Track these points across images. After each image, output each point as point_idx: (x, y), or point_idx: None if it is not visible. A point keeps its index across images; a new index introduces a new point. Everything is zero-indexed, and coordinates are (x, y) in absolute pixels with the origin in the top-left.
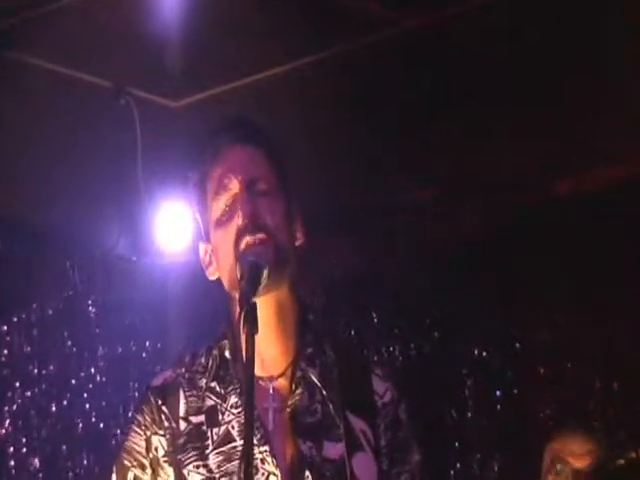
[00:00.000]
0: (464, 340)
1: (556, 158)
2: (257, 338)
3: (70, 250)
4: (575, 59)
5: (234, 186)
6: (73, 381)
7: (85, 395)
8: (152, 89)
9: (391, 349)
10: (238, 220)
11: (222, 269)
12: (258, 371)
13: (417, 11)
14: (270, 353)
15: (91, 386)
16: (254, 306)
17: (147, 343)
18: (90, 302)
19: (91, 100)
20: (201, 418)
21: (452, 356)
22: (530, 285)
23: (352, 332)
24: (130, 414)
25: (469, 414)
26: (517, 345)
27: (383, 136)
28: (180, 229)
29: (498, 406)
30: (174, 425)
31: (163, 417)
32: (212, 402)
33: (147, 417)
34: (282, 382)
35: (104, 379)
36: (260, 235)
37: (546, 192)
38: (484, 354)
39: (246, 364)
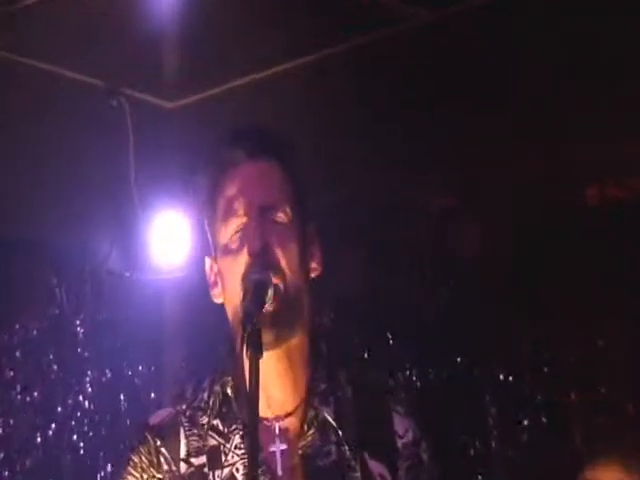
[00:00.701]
0: (488, 364)
1: (587, 163)
2: (262, 378)
3: (56, 265)
4: (609, 60)
5: (244, 213)
6: (59, 409)
7: (72, 424)
8: (146, 89)
9: (407, 373)
10: (247, 254)
11: (228, 299)
12: (263, 411)
13: (434, 4)
14: (277, 392)
15: (79, 414)
16: (258, 328)
17: (140, 367)
18: (78, 322)
19: (81, 101)
20: (203, 459)
21: (475, 382)
22: (562, 302)
23: (365, 355)
24: (122, 446)
25: (493, 445)
26: (546, 369)
27: (400, 138)
28: (177, 241)
29: (525, 436)
30: (174, 468)
31: (162, 459)
32: (215, 442)
33: (144, 459)
34: (292, 422)
35: (93, 407)
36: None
37: (577, 199)
38: (510, 379)
39: (249, 394)
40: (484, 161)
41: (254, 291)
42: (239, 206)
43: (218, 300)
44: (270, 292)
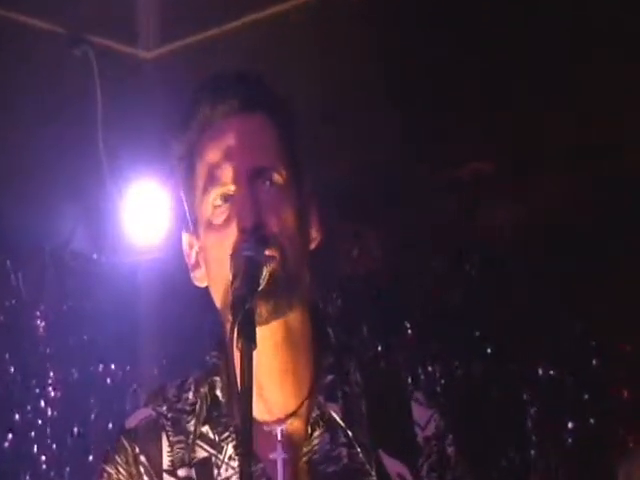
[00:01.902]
0: (525, 356)
1: (621, 131)
2: (257, 374)
3: (10, 246)
4: None
5: (231, 180)
6: (17, 417)
7: (32, 434)
8: (117, 35)
9: (430, 369)
10: (236, 230)
11: (214, 282)
12: (261, 413)
13: None
14: (275, 391)
15: (40, 422)
16: (251, 313)
17: (113, 365)
18: (38, 314)
19: (39, 50)
20: (190, 472)
21: (510, 377)
22: (613, 283)
23: (380, 348)
24: (93, 460)
25: (533, 452)
26: (594, 362)
27: (424, 98)
28: (154, 216)
29: (570, 440)
30: None
31: (142, 469)
32: (205, 453)
33: (121, 470)
34: (294, 424)
35: (57, 413)
36: (266, 252)
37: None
38: (551, 374)
39: (241, 393)
40: (524, 119)
41: (246, 271)
42: (223, 172)
43: (201, 284)
44: (265, 272)
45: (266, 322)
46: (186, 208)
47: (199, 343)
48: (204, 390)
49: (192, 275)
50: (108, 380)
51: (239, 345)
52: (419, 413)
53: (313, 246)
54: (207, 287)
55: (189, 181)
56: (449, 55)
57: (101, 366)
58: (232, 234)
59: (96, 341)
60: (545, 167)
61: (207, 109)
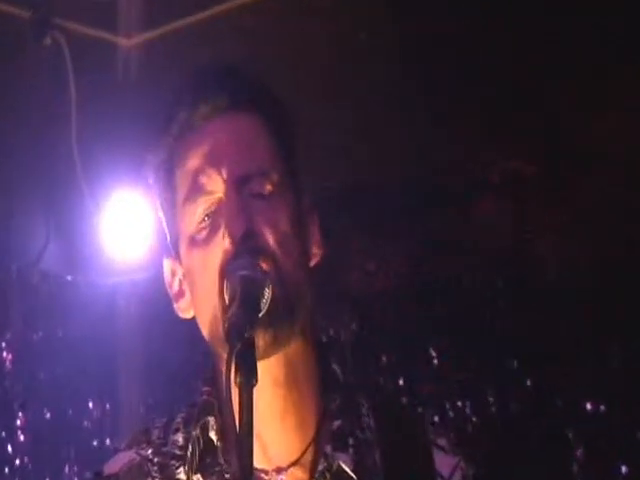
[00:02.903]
0: (571, 389)
1: None
2: (256, 416)
3: None
4: None
5: (217, 188)
6: None
7: None
8: (92, 20)
9: (459, 404)
10: (224, 241)
11: (200, 310)
12: (259, 461)
13: None
14: (275, 435)
15: (7, 472)
16: (250, 343)
17: (90, 404)
18: (3, 344)
19: (4, 39)
20: None
21: (553, 414)
22: None
23: (400, 381)
24: None
25: None
26: None
27: (448, 86)
28: (136, 231)
29: None
30: None
31: None
32: None
33: None
34: (296, 475)
35: (27, 461)
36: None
37: None
38: (601, 409)
39: (239, 436)
40: (573, 115)
41: (243, 294)
42: (207, 179)
43: (186, 314)
44: (267, 293)
45: (264, 356)
46: (165, 227)
47: (191, 376)
48: (196, 433)
49: (176, 306)
50: (85, 423)
51: (237, 381)
52: (442, 462)
53: (313, 263)
54: (193, 318)
55: (168, 194)
56: (481, 49)
57: (77, 406)
58: (219, 248)
59: (71, 376)
60: (592, 169)
61: (187, 110)
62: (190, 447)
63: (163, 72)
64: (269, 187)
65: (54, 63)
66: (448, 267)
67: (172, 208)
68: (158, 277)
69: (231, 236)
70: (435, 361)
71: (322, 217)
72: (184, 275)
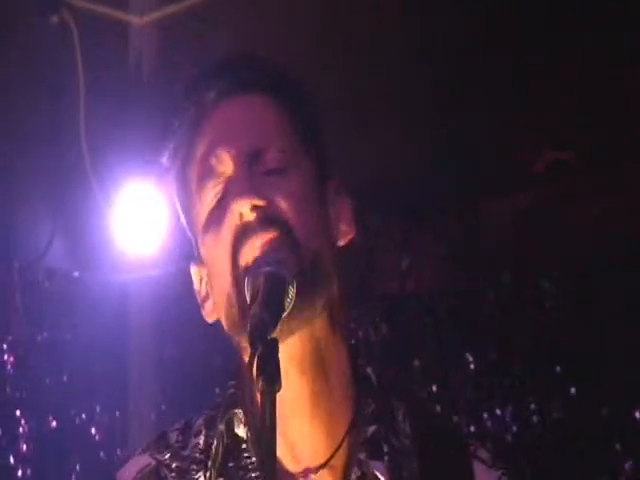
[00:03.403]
0: (618, 397)
1: None
2: (284, 411)
3: None
4: None
5: (226, 168)
6: None
7: None
8: None
9: (498, 412)
10: (234, 218)
11: (217, 300)
12: (284, 461)
13: None
14: (303, 431)
15: None
16: (274, 345)
17: (99, 411)
18: (5, 346)
19: (6, 18)
20: None
21: (599, 423)
22: None
23: (433, 387)
24: None
25: None
26: None
27: (480, 75)
28: (149, 225)
29: None
30: None
31: None
32: None
33: None
34: (325, 477)
35: (30, 472)
36: (269, 233)
37: None
38: None
39: (262, 443)
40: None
41: (266, 293)
42: (216, 161)
43: (212, 318)
44: (291, 292)
45: (287, 331)
46: (189, 233)
47: (208, 381)
48: (221, 427)
49: (203, 310)
50: (93, 430)
51: (260, 386)
52: (483, 476)
53: (344, 242)
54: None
55: (184, 193)
56: (521, 35)
57: (84, 413)
58: (229, 230)
59: (78, 381)
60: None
61: (196, 98)
62: (215, 444)
63: (178, 53)
64: (281, 161)
65: (61, 44)
66: (487, 266)
67: (188, 198)
68: (173, 274)
69: (239, 210)
70: (472, 366)
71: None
72: (207, 275)
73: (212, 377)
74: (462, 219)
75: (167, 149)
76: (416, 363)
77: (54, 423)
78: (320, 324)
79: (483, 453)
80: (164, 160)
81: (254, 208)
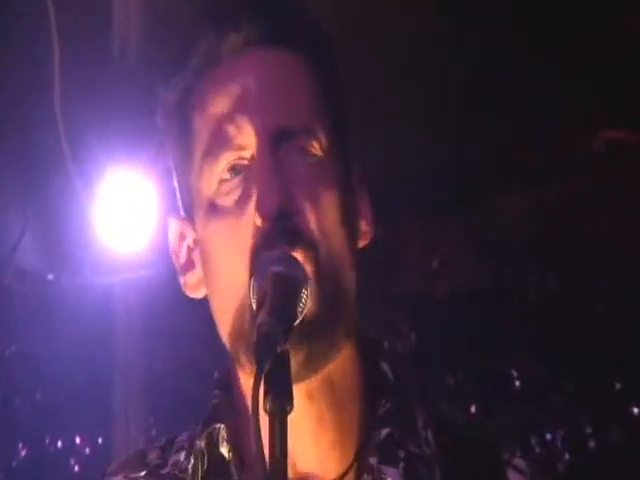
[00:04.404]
0: None
1: None
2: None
3: None
4: None
5: (247, 142)
6: None
7: None
8: None
9: (549, 437)
10: (255, 217)
11: (218, 293)
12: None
13: None
14: (308, 455)
15: None
16: (284, 358)
17: (78, 439)
18: None
19: None
20: None
21: None
22: None
23: (471, 408)
24: None
25: None
26: None
27: (529, 50)
28: (135, 220)
29: None
30: None
31: None
32: None
33: None
34: None
35: None
36: (293, 251)
37: None
38: None
39: (269, 475)
40: None
41: (276, 297)
42: (235, 130)
43: (195, 293)
44: (305, 295)
45: (296, 379)
46: (175, 183)
47: (206, 399)
48: (201, 444)
49: (182, 281)
50: (71, 460)
51: (268, 407)
52: None
53: (363, 244)
54: (205, 298)
55: (183, 144)
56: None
57: (61, 439)
58: (249, 222)
59: (53, 401)
60: None
61: (211, 39)
62: (192, 463)
63: (169, 23)
64: (314, 149)
65: (36, 13)
66: (532, 265)
67: (188, 162)
68: (164, 275)
69: (263, 212)
70: (517, 383)
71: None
72: (195, 242)
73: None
74: (496, 211)
75: (168, 92)
76: (450, 380)
77: (24, 452)
78: (338, 361)
79: (520, 462)
80: (163, 106)
81: (281, 216)
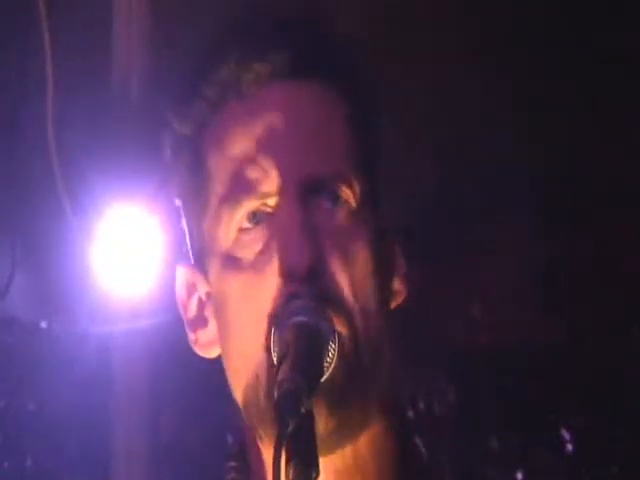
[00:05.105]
0: None
1: None
2: None
3: None
4: None
5: (272, 188)
6: None
7: None
8: None
9: None
10: (278, 280)
11: (233, 355)
12: None
13: None
14: None
15: None
16: (309, 420)
17: None
18: None
19: None
20: None
21: None
22: None
23: (519, 475)
24: None
25: None
26: None
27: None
28: (138, 261)
29: None
30: None
31: None
32: None
33: None
34: None
35: None
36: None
37: None
38: None
39: None
40: None
41: (300, 350)
42: (260, 174)
43: (207, 352)
44: (332, 350)
45: (328, 452)
46: (184, 226)
47: (219, 466)
48: None
49: (192, 337)
50: None
51: (291, 475)
52: None
53: (395, 304)
54: (219, 358)
55: (194, 183)
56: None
57: None
58: (271, 281)
59: (45, 466)
60: None
61: (232, 67)
62: None
63: (178, 44)
64: (347, 199)
65: (28, 25)
66: (593, 309)
67: (201, 205)
68: (170, 325)
69: (289, 272)
70: (569, 447)
71: (408, 239)
72: (208, 296)
73: (221, 460)
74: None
75: (180, 124)
76: (494, 443)
77: None
78: (368, 434)
79: None
80: (172, 139)
81: (310, 277)
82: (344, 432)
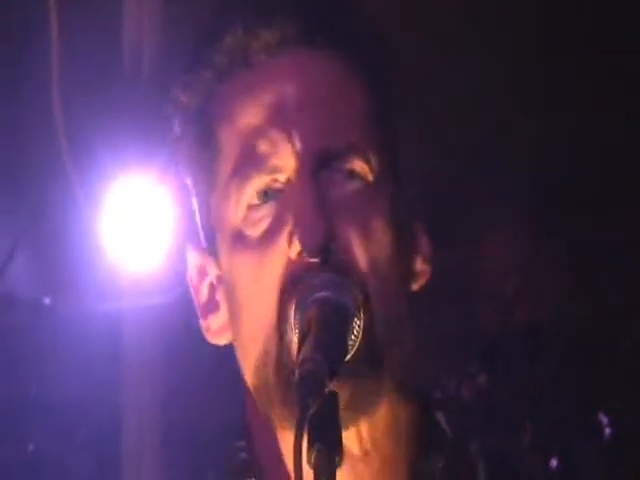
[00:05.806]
0: None
1: None
2: None
3: None
4: None
5: (285, 163)
6: None
7: None
8: None
9: None
10: (290, 249)
11: (244, 338)
12: None
13: None
14: None
15: None
16: (333, 400)
17: None
18: None
19: None
20: None
21: None
22: None
23: (552, 461)
24: None
25: None
26: None
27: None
28: (147, 234)
29: None
30: None
31: None
32: None
33: None
34: None
35: None
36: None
37: None
38: None
39: None
40: None
41: (323, 328)
42: (271, 148)
43: (219, 339)
44: (357, 326)
45: (348, 422)
46: (195, 203)
47: (226, 442)
48: None
49: (203, 324)
50: None
51: (313, 459)
52: None
53: (418, 285)
54: (231, 345)
55: (203, 157)
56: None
57: None
58: (281, 256)
59: (50, 455)
60: None
61: (239, 35)
62: None
63: (186, 18)
64: (362, 172)
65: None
66: (627, 289)
67: (210, 180)
68: (182, 302)
69: (303, 245)
70: (607, 431)
71: (433, 218)
72: (219, 280)
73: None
74: (594, 227)
75: (186, 96)
76: (527, 427)
77: None
78: (383, 411)
79: None
80: (179, 111)
81: (326, 252)
82: (352, 409)
